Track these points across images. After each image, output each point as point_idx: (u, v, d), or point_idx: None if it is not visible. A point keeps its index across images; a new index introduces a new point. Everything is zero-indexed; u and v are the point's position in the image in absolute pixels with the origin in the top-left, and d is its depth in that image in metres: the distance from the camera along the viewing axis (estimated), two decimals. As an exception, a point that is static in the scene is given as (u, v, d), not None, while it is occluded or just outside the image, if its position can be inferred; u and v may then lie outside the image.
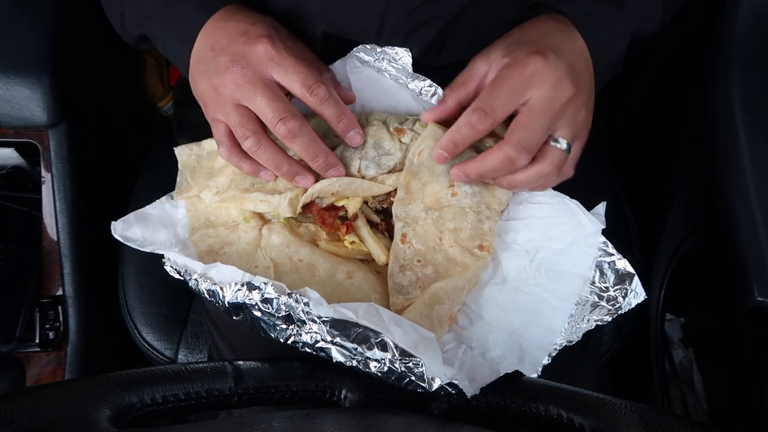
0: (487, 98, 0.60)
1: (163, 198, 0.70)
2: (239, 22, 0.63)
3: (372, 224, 0.70)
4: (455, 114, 0.63)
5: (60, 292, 0.93)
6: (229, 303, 0.58)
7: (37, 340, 0.91)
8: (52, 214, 0.92)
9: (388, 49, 0.70)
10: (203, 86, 0.63)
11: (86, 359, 0.94)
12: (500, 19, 0.69)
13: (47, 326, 0.92)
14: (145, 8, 0.67)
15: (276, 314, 0.56)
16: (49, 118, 0.86)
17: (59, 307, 0.93)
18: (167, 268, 0.63)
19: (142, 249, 0.64)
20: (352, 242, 0.68)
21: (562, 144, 0.61)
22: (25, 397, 0.45)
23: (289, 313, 0.56)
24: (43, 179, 0.91)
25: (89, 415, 0.44)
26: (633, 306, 0.62)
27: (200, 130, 0.70)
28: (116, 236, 0.64)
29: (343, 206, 0.68)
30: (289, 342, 0.56)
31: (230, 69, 0.60)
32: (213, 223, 0.67)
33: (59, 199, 0.91)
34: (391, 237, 0.70)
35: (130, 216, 0.66)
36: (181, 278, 0.62)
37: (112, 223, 0.65)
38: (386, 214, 0.70)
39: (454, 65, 0.67)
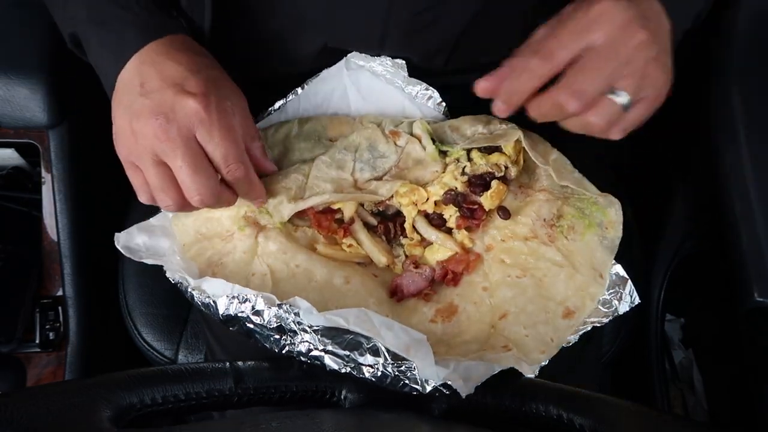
0: (547, 41, 0.54)
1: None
2: (179, 64, 0.58)
3: (369, 227, 0.70)
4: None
5: (60, 293, 0.93)
6: (222, 315, 0.58)
7: (37, 341, 0.91)
8: (52, 214, 0.92)
9: (383, 57, 0.70)
10: (122, 123, 0.58)
11: (86, 359, 0.94)
12: (509, 22, 0.68)
13: (47, 326, 0.92)
14: (82, 8, 0.62)
15: (268, 326, 0.56)
16: (49, 118, 0.86)
17: (59, 308, 0.93)
18: (168, 275, 0.63)
19: (143, 261, 0.64)
20: (350, 245, 0.68)
21: (622, 98, 0.54)
22: (25, 397, 0.45)
23: (281, 324, 0.56)
24: (43, 180, 0.91)
25: (89, 416, 0.44)
26: (628, 309, 0.62)
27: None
28: (119, 247, 0.64)
29: (339, 209, 0.68)
30: (284, 352, 0.57)
31: (153, 120, 0.55)
32: (206, 236, 0.67)
33: (59, 200, 0.91)
34: (388, 239, 0.70)
35: (133, 228, 0.66)
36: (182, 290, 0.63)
37: (116, 234, 0.65)
38: (383, 216, 0.70)
39: (462, 70, 0.66)
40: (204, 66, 0.59)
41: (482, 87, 0.57)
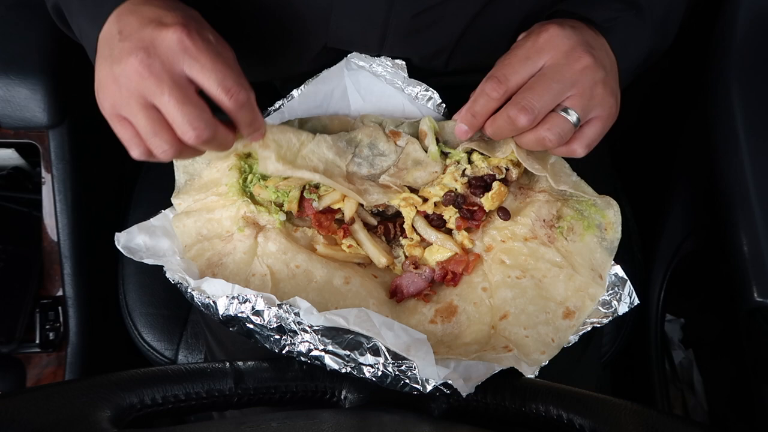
0: (500, 66, 0.60)
1: (167, 210, 0.70)
2: (155, 7, 0.55)
3: (369, 227, 0.70)
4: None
5: (60, 293, 0.93)
6: (222, 316, 0.58)
7: (37, 341, 0.91)
8: (52, 214, 0.92)
9: (383, 57, 0.70)
10: (103, 74, 0.55)
11: (86, 360, 0.94)
12: (508, 23, 0.69)
13: (47, 327, 0.92)
14: None
15: (268, 326, 0.56)
16: (49, 118, 0.86)
17: (59, 308, 0.93)
18: (168, 275, 0.63)
19: (143, 261, 0.64)
20: (350, 246, 0.68)
21: (571, 115, 0.59)
22: (25, 397, 0.45)
23: (281, 324, 0.56)
24: (43, 180, 0.91)
25: (90, 416, 0.44)
26: (627, 310, 0.63)
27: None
28: (119, 248, 0.64)
29: (339, 209, 0.68)
30: (284, 352, 0.57)
31: (134, 57, 0.52)
32: (206, 237, 0.67)
33: (59, 200, 0.91)
34: (388, 240, 0.70)
35: (134, 228, 0.66)
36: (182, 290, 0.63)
37: (116, 234, 0.65)
38: (383, 216, 0.70)
39: (461, 71, 0.67)
40: (180, 6, 0.57)
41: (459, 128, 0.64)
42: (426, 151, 0.69)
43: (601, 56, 0.60)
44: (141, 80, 0.52)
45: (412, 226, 0.69)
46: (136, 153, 0.56)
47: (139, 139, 0.55)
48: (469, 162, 0.68)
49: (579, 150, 0.62)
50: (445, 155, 0.69)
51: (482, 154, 0.67)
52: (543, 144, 0.61)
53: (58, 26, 0.67)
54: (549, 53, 0.59)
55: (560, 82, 0.58)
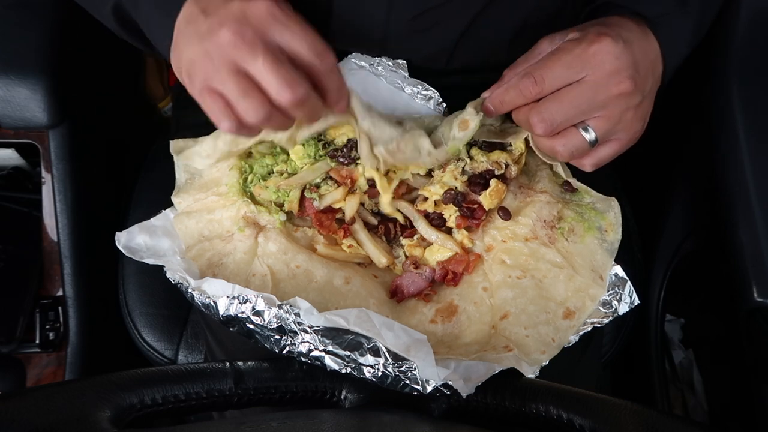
0: (542, 66, 0.58)
1: (167, 210, 0.70)
2: None
3: (369, 227, 0.70)
4: None
5: (60, 293, 0.93)
6: (222, 316, 0.58)
7: (37, 341, 0.91)
8: (52, 214, 0.92)
9: (384, 57, 0.70)
10: (192, 52, 0.56)
11: (86, 360, 0.94)
12: (509, 23, 0.69)
13: (47, 327, 0.92)
14: None
15: (268, 326, 0.56)
16: (49, 118, 0.86)
17: (59, 308, 0.93)
18: (168, 275, 0.63)
19: (143, 261, 0.64)
20: (350, 246, 0.68)
21: (590, 134, 0.59)
22: (25, 397, 0.45)
23: (281, 325, 0.56)
24: (43, 180, 0.91)
25: (90, 416, 0.44)
26: (627, 310, 0.63)
27: (198, 132, 0.70)
28: (120, 247, 0.64)
29: (340, 209, 0.68)
30: (284, 352, 0.57)
31: (225, 29, 0.53)
32: (207, 237, 0.67)
33: (59, 200, 0.91)
34: (388, 240, 0.70)
35: (134, 227, 0.66)
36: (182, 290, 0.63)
37: (117, 234, 0.65)
38: (383, 216, 0.70)
39: (462, 70, 0.66)
40: None
41: (487, 97, 0.63)
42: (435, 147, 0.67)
43: (644, 79, 0.59)
44: (234, 49, 0.53)
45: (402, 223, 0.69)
46: (225, 124, 0.55)
47: (230, 109, 0.55)
48: (469, 157, 0.68)
49: (587, 166, 0.62)
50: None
51: (481, 149, 0.67)
52: (553, 153, 0.61)
53: (64, 27, 0.66)
54: (593, 69, 0.57)
55: (591, 102, 0.57)
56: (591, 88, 0.57)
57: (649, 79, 0.60)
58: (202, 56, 0.54)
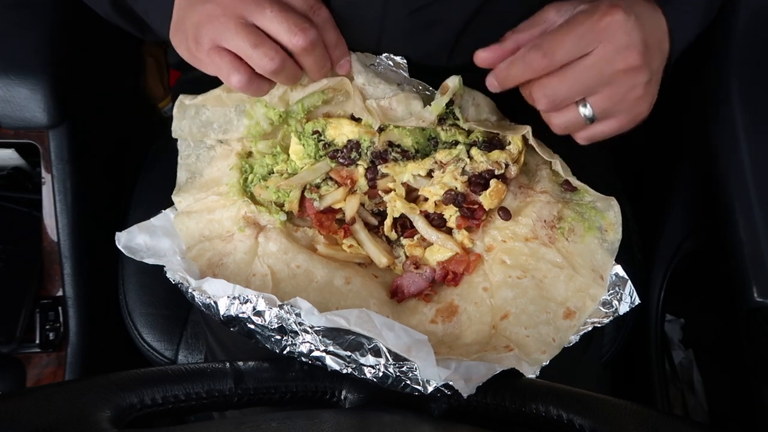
0: (552, 39, 0.56)
1: (167, 210, 0.70)
2: None
3: (370, 227, 0.70)
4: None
5: (60, 293, 0.93)
6: (223, 316, 0.58)
7: (37, 341, 0.91)
8: (52, 214, 0.92)
9: (384, 56, 0.70)
10: (196, 16, 0.56)
11: (86, 360, 0.94)
12: (510, 17, 0.68)
13: (47, 327, 0.92)
14: None
15: (269, 326, 0.56)
16: (49, 119, 0.86)
17: (59, 308, 0.93)
18: (168, 275, 0.63)
19: (143, 261, 0.64)
20: (351, 246, 0.68)
21: (586, 110, 0.58)
22: (25, 397, 0.45)
23: (282, 325, 0.56)
24: (43, 180, 0.91)
25: (89, 416, 0.44)
26: (628, 310, 0.63)
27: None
28: (120, 247, 0.64)
29: (340, 209, 0.68)
30: (285, 352, 0.57)
31: None
32: (208, 237, 0.67)
33: (59, 200, 0.91)
34: (388, 240, 0.70)
35: (134, 228, 0.66)
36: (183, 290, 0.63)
37: (117, 234, 0.65)
38: (383, 216, 0.70)
39: (463, 68, 0.66)
40: None
41: (482, 57, 0.60)
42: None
43: (652, 57, 0.58)
44: (240, 3, 0.54)
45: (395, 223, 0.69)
46: (236, 78, 0.56)
47: (240, 62, 0.55)
48: (469, 157, 0.68)
49: (580, 139, 0.62)
50: (446, 119, 0.68)
51: (481, 149, 0.67)
52: (547, 123, 0.60)
53: (64, 27, 0.67)
54: (603, 43, 0.55)
55: (596, 79, 0.56)
56: (598, 63, 0.55)
57: (656, 55, 0.58)
58: (207, 17, 0.55)
